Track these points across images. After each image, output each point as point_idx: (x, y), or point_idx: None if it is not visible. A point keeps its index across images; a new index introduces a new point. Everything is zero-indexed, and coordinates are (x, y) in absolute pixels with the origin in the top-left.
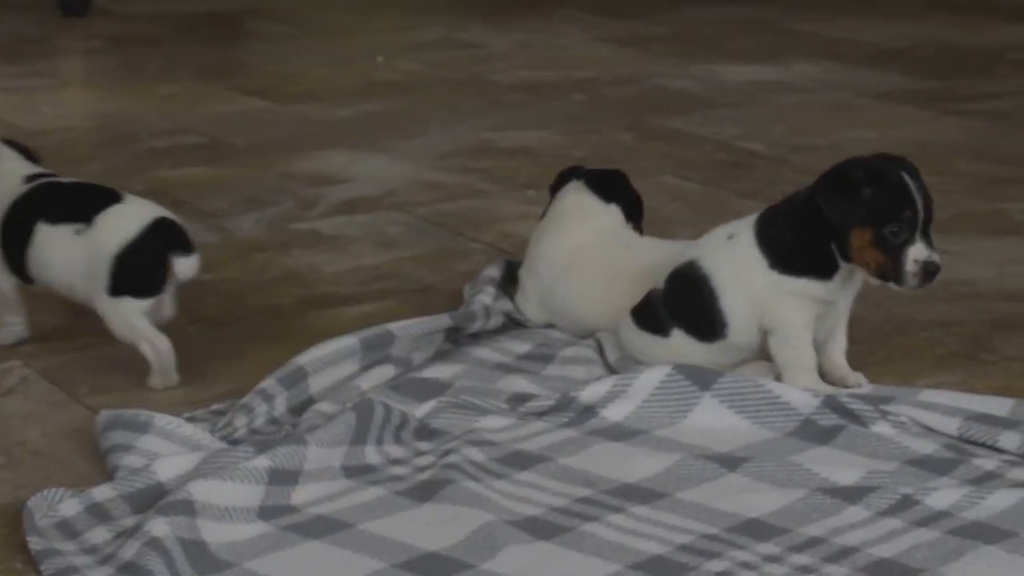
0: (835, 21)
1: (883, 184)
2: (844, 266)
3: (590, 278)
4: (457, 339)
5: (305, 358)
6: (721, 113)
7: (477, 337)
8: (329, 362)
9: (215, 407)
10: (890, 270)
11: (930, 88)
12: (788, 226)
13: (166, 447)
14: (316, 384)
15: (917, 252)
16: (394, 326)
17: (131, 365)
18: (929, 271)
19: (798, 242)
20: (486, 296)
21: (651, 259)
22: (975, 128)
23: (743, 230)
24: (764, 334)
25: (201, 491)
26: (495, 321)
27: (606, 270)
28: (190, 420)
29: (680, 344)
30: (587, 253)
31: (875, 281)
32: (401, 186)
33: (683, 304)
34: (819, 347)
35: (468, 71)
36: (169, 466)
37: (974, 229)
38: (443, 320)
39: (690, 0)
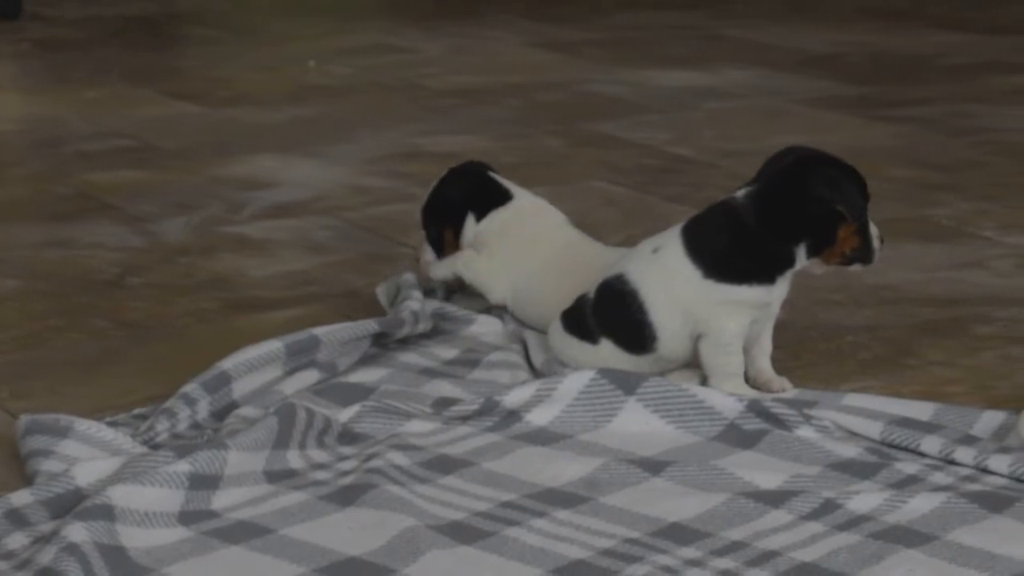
0: (766, 27)
1: (857, 171)
2: (794, 268)
3: (558, 272)
4: (384, 344)
5: (229, 363)
6: (651, 118)
7: (404, 342)
8: (253, 366)
9: (137, 411)
10: (863, 251)
11: (859, 94)
12: (725, 233)
13: (86, 452)
14: (240, 389)
15: (872, 228)
16: (319, 331)
17: (52, 370)
18: (882, 240)
19: (738, 249)
20: (414, 302)
21: (611, 259)
22: (903, 134)
23: (669, 242)
24: (695, 343)
25: (120, 496)
26: (424, 326)
27: (579, 265)
28: (111, 425)
29: (608, 353)
30: (558, 247)
31: (821, 270)
32: (330, 191)
33: (611, 317)
34: (745, 352)
35: (400, 76)
36: (88, 471)
37: (901, 234)
38: (369, 325)
39: (622, 6)
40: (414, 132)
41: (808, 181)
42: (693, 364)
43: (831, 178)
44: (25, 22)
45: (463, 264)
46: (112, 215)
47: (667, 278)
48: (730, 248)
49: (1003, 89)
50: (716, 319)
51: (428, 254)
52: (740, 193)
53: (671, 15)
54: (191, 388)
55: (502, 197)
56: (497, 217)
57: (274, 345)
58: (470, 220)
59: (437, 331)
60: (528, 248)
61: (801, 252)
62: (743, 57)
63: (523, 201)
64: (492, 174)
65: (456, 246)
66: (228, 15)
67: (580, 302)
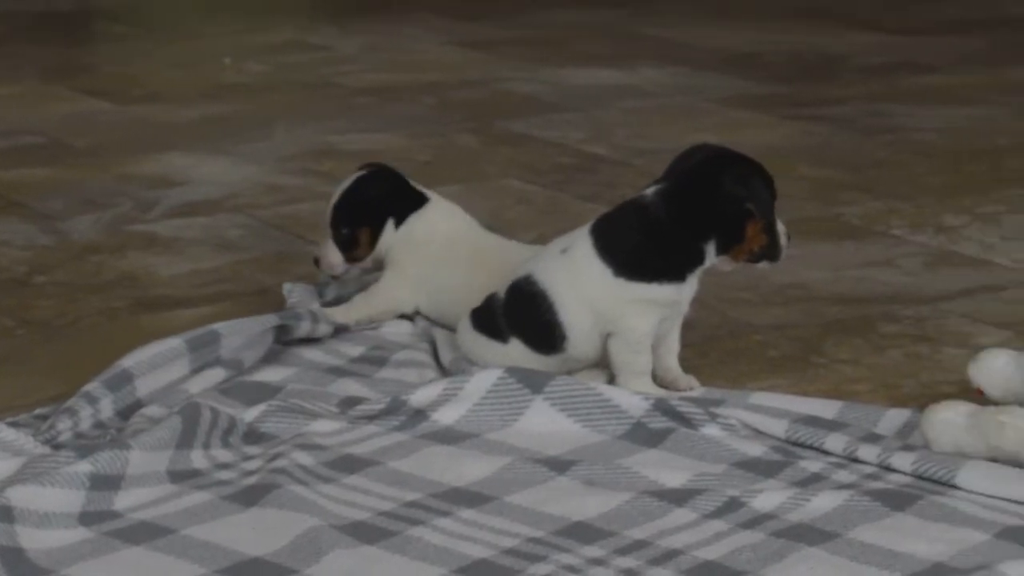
0: (684, 26)
1: (765, 170)
2: (704, 265)
3: (475, 275)
4: (288, 341)
5: (130, 360)
6: (566, 117)
7: (309, 340)
8: (155, 364)
9: (38, 412)
10: (770, 249)
11: (774, 93)
12: (637, 231)
13: None
14: (144, 387)
15: (780, 226)
16: (219, 326)
17: None
18: (788, 237)
19: (648, 247)
20: (314, 304)
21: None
22: (817, 133)
23: (577, 241)
24: (604, 342)
25: (20, 497)
26: (325, 329)
27: (496, 266)
28: (12, 425)
29: (517, 353)
30: (474, 251)
31: (729, 267)
32: (243, 189)
33: (521, 317)
34: (653, 350)
35: (316, 74)
36: None
37: (811, 233)
38: (270, 319)
39: (539, 4)
40: (329, 130)
41: (719, 178)
42: (600, 363)
43: (741, 175)
44: None
45: (369, 310)
46: (20, 213)
47: (576, 277)
48: (640, 246)
49: (916, 89)
50: (626, 318)
51: (333, 255)
52: (650, 191)
53: (591, 13)
54: (93, 387)
55: (419, 202)
56: (412, 225)
57: (174, 342)
58: (389, 225)
59: (343, 328)
60: (443, 254)
61: (711, 249)
62: (662, 56)
63: (436, 207)
64: (406, 178)
65: (369, 249)
66: (142, 12)
67: (490, 301)
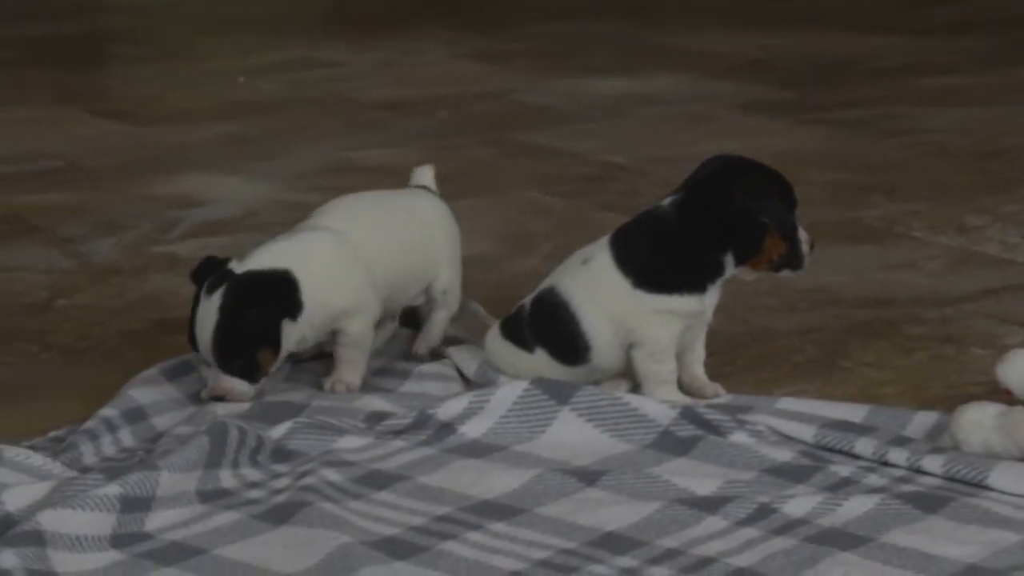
0: (693, 33)
1: (783, 179)
2: (724, 276)
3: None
4: (299, 360)
5: (144, 396)
6: (582, 127)
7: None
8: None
9: (52, 434)
10: (792, 257)
11: (788, 98)
12: (654, 242)
13: (16, 478)
14: (161, 424)
15: (801, 233)
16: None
17: None
18: (812, 245)
19: (668, 258)
20: None
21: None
22: (832, 137)
23: (597, 253)
24: (628, 352)
25: (51, 521)
26: None
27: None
28: (29, 448)
29: (543, 362)
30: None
31: (751, 276)
32: (260, 207)
33: (546, 329)
34: (678, 358)
35: (329, 90)
36: (18, 496)
37: (832, 237)
38: None
39: (550, 15)
40: (343, 146)
41: (730, 191)
42: (626, 372)
43: (754, 187)
44: None
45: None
46: (40, 237)
47: (597, 289)
48: (659, 258)
49: (930, 90)
50: (647, 329)
51: (238, 384)
52: (666, 202)
53: (597, 23)
54: (112, 415)
55: (289, 284)
56: (315, 296)
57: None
58: (287, 326)
59: None
60: (360, 271)
61: (729, 260)
62: (674, 64)
63: (296, 261)
64: (233, 264)
65: (275, 360)
66: (155, 33)
67: (518, 310)
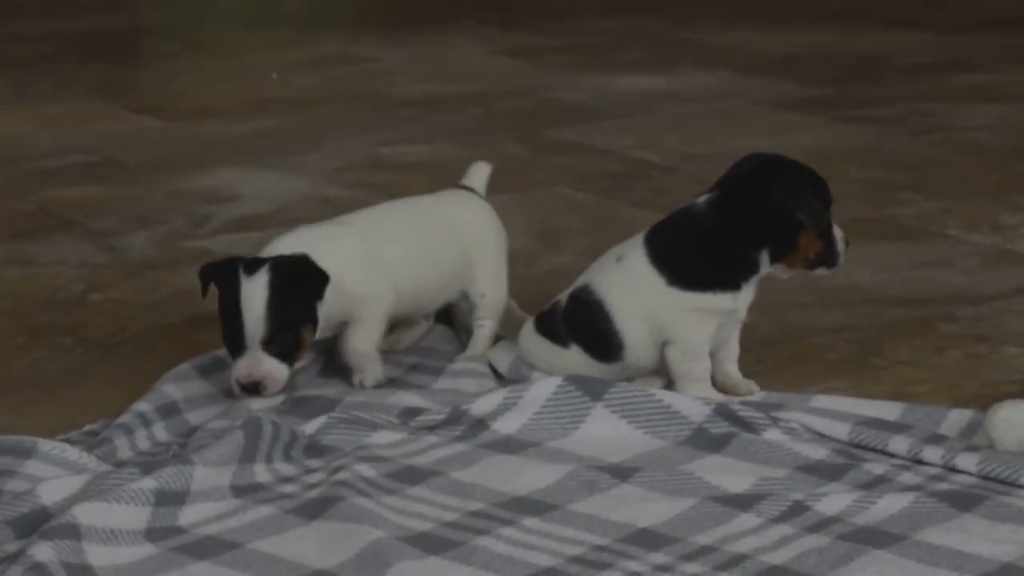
0: (723, 31)
1: (819, 176)
2: (759, 273)
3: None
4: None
5: (178, 392)
6: (614, 124)
7: None
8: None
9: (88, 428)
10: (828, 255)
11: (820, 95)
12: (689, 240)
13: (51, 472)
14: (196, 419)
15: (836, 231)
16: None
17: (15, 389)
18: (847, 243)
19: (702, 256)
20: None
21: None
22: (865, 134)
23: (631, 251)
24: (661, 350)
25: (86, 514)
26: None
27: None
28: (64, 441)
29: (577, 358)
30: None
31: (786, 274)
32: (294, 202)
33: (580, 325)
34: (712, 355)
35: (362, 86)
36: (53, 489)
37: (865, 235)
38: None
39: (581, 12)
40: (377, 141)
41: (766, 188)
42: (659, 369)
43: (790, 185)
44: None
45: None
46: (74, 231)
47: (631, 287)
48: (693, 256)
49: (963, 88)
50: (681, 327)
51: (276, 369)
52: (701, 200)
53: (628, 20)
54: (147, 409)
55: (316, 269)
56: (343, 279)
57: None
58: (319, 307)
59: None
60: (377, 268)
61: (764, 258)
62: (704, 61)
63: (314, 249)
64: (259, 256)
65: (310, 342)
66: (189, 28)
67: (553, 306)
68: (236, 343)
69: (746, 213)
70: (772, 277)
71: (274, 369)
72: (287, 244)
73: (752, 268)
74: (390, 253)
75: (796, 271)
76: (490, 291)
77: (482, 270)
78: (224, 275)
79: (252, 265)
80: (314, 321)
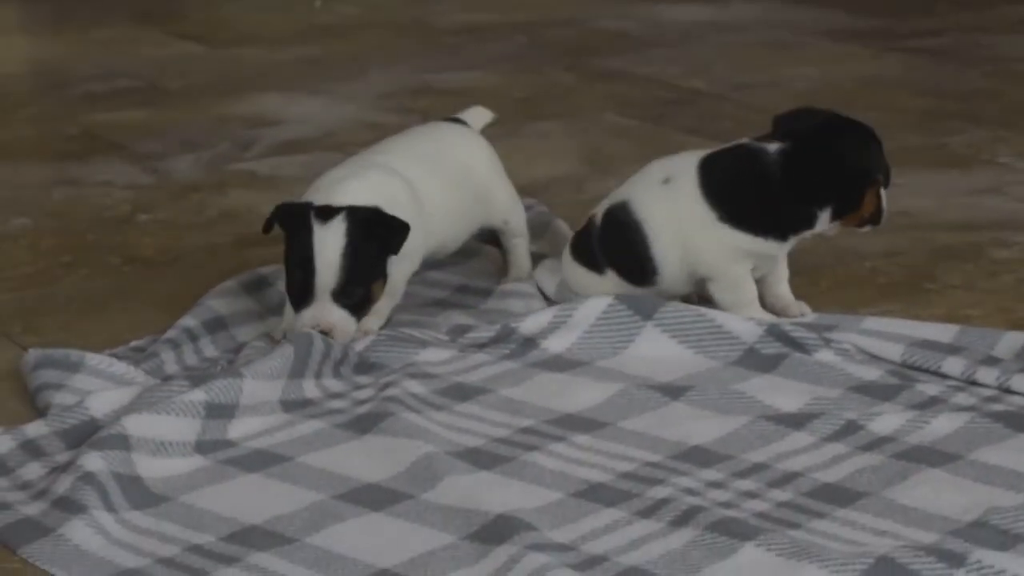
0: None
1: (877, 135)
2: (813, 230)
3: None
4: None
5: (224, 307)
6: (661, 53)
7: None
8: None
9: (134, 344)
10: (878, 214)
11: (870, 26)
12: (752, 182)
13: (99, 385)
14: (241, 335)
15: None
16: None
17: (64, 306)
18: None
19: (764, 202)
20: None
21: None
22: (916, 64)
23: (682, 175)
24: (695, 279)
25: (136, 426)
26: None
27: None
28: (111, 356)
29: (613, 283)
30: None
31: (834, 232)
32: (339, 127)
33: (615, 246)
34: (761, 280)
35: (407, 14)
36: (103, 401)
37: (916, 162)
38: None
39: None
40: (423, 68)
41: (846, 148)
42: (690, 295)
43: (866, 145)
44: None
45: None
46: (120, 154)
47: (677, 213)
48: (753, 200)
49: (1014, 18)
50: (723, 263)
51: (346, 322)
52: (772, 148)
53: None
54: (193, 325)
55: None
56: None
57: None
58: (391, 261)
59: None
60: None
61: (824, 215)
62: None
63: (384, 201)
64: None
65: (377, 298)
66: None
67: (588, 227)
68: (304, 291)
69: (819, 170)
70: (819, 236)
71: (342, 320)
72: (351, 191)
73: (808, 223)
74: (427, 193)
75: (844, 230)
76: (511, 215)
77: (497, 196)
78: (295, 219)
79: (325, 213)
80: (385, 277)
